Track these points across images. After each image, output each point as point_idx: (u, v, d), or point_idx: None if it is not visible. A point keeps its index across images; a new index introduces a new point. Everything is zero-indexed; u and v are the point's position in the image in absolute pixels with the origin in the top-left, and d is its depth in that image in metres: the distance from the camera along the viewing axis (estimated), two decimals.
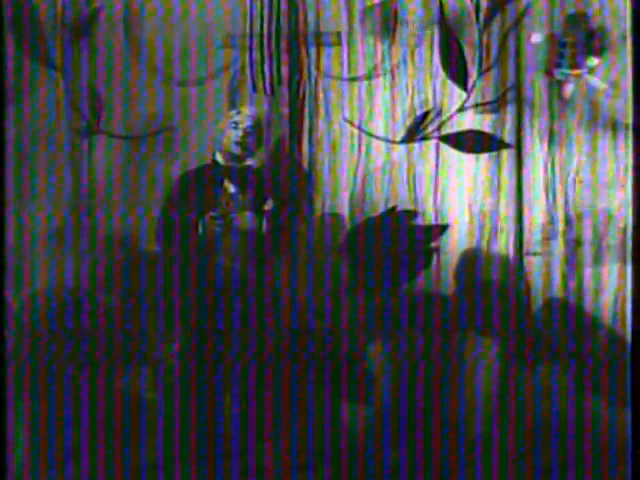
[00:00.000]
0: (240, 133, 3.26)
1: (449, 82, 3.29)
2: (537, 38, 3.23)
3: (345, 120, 3.32)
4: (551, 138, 3.29)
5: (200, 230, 3.23)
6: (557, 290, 3.29)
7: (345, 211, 3.33)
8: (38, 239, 3.31)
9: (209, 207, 3.24)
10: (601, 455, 3.22)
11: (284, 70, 3.33)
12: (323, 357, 3.25)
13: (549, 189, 3.29)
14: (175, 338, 3.29)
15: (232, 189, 3.23)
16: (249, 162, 3.30)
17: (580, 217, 3.29)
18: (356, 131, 3.32)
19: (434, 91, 3.31)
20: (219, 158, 3.31)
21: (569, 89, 3.28)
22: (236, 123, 3.26)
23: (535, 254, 3.29)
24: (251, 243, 3.25)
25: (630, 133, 3.26)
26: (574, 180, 3.29)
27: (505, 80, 3.29)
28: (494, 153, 3.30)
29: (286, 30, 3.32)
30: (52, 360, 3.29)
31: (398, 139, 3.31)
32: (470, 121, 3.30)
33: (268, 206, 3.26)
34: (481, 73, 3.28)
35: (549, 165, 3.29)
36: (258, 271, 3.26)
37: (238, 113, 3.28)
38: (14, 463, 3.29)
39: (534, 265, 3.30)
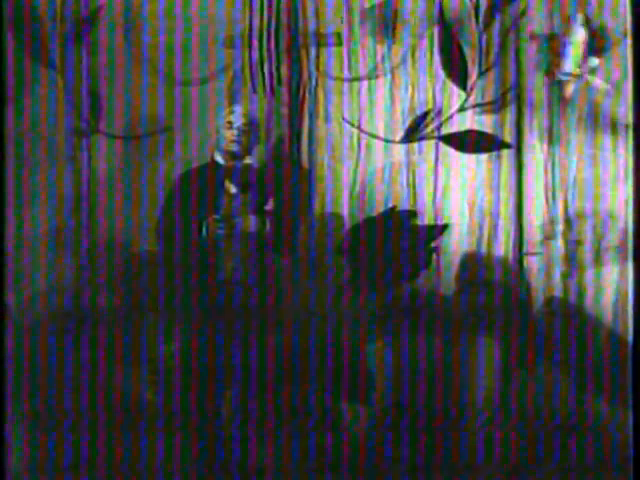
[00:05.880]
0: (235, 132, 3.25)
1: (449, 82, 3.29)
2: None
3: (345, 120, 3.33)
4: (551, 138, 3.30)
5: (203, 232, 3.22)
6: (557, 290, 3.29)
7: (345, 211, 3.32)
8: (38, 239, 3.31)
9: (210, 207, 3.23)
10: (602, 455, 3.22)
11: (284, 70, 3.33)
12: (324, 357, 3.24)
13: (549, 189, 3.29)
14: (175, 338, 3.29)
15: (233, 189, 3.23)
16: (248, 161, 3.30)
17: (580, 217, 3.29)
18: (356, 131, 3.32)
19: (434, 91, 3.31)
20: (218, 158, 3.30)
21: (569, 89, 3.28)
22: (230, 122, 3.25)
23: (535, 254, 3.29)
24: (252, 244, 3.25)
25: (630, 133, 3.26)
26: (574, 180, 3.29)
27: (505, 80, 3.29)
28: (494, 153, 3.30)
29: (286, 30, 3.33)
30: (52, 360, 3.28)
31: (398, 139, 3.31)
32: (470, 121, 3.31)
33: (269, 206, 3.26)
34: (481, 73, 3.28)
35: (549, 165, 3.29)
36: (259, 271, 3.25)
37: (232, 112, 3.27)
38: (14, 463, 3.29)
39: (534, 265, 3.30)
